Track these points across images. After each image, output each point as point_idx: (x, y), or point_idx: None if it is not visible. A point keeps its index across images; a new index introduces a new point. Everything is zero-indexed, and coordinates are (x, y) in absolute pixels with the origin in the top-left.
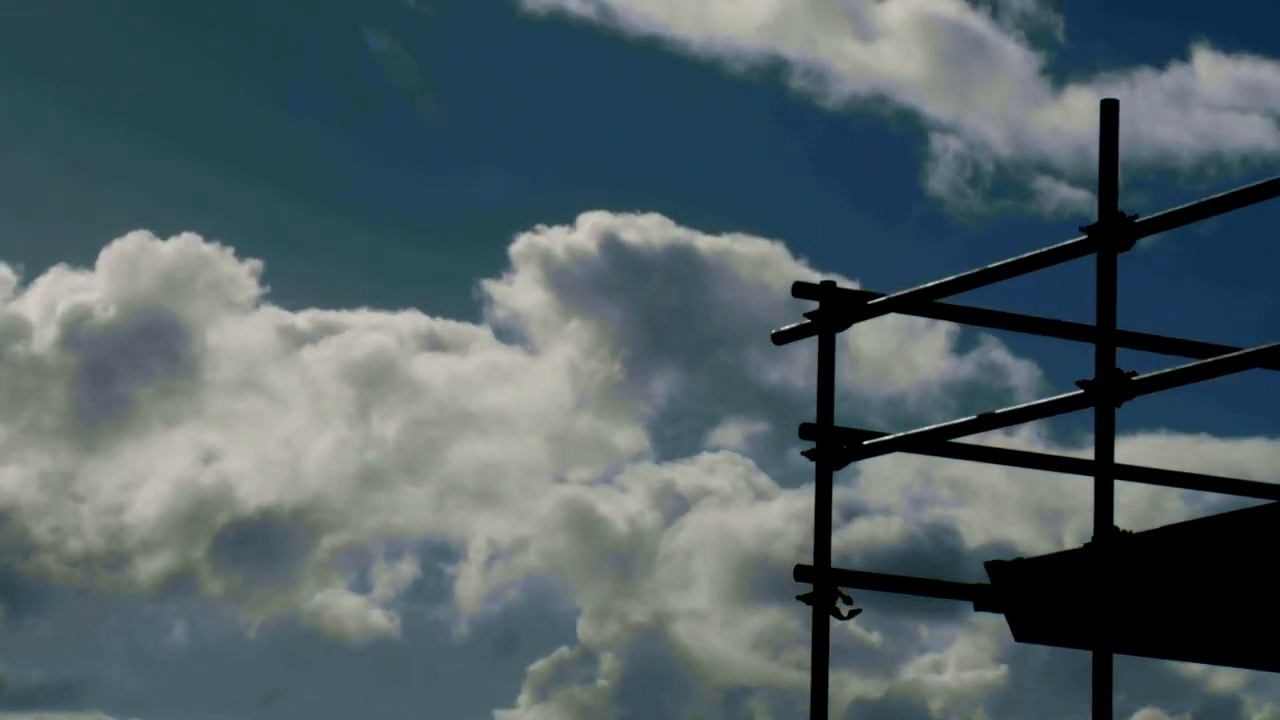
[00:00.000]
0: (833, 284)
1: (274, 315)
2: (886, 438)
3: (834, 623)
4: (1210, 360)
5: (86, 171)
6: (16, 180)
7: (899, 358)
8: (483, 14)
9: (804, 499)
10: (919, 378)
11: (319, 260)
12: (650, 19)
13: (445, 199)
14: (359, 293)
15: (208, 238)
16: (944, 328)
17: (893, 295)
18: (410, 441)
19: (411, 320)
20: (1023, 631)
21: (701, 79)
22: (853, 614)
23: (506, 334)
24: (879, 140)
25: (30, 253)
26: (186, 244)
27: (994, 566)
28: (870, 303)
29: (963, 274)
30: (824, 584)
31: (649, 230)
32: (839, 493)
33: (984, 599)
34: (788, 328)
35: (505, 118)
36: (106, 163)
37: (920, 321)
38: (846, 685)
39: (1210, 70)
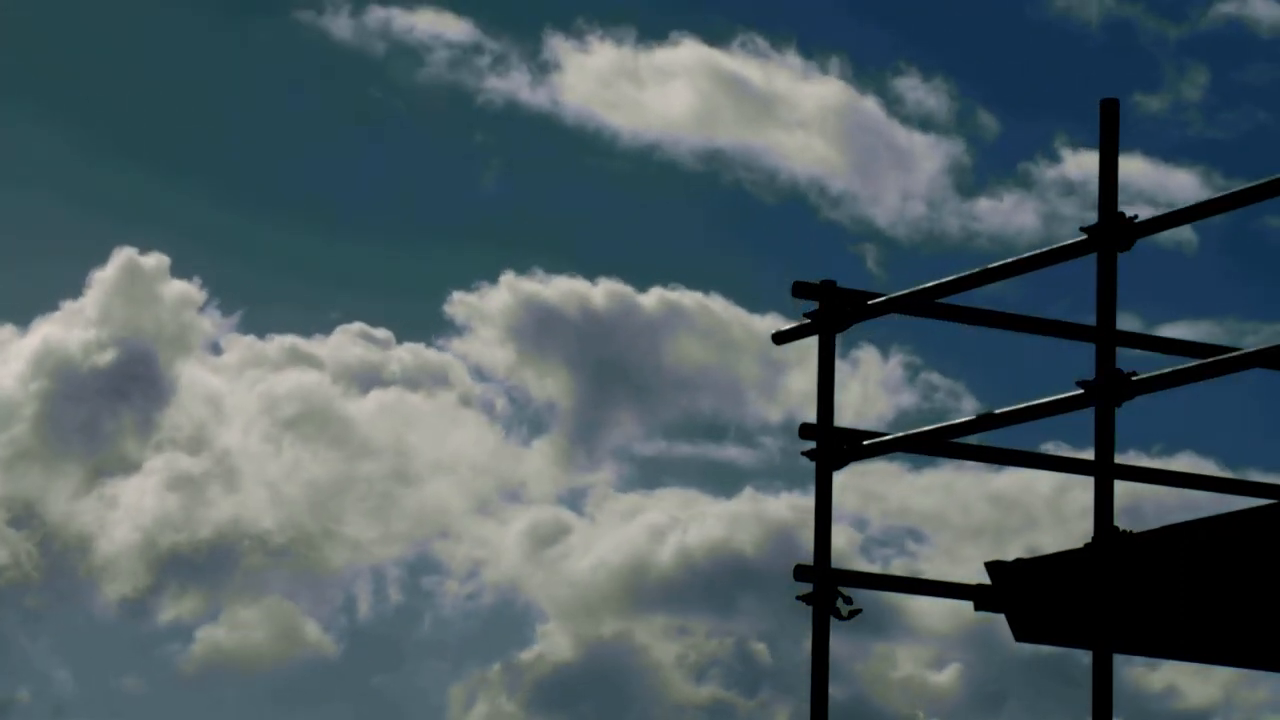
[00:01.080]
0: (833, 284)
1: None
2: (886, 438)
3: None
4: (1210, 360)
5: None
6: None
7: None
8: (448, 105)
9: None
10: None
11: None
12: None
13: (381, 263)
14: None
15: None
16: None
17: (892, 295)
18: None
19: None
20: (1023, 631)
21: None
22: (853, 614)
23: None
24: (811, 226)
25: None
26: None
27: (994, 566)
28: (870, 303)
29: (962, 274)
30: (824, 584)
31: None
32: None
33: (984, 599)
34: (788, 327)
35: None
36: None
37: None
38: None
39: None
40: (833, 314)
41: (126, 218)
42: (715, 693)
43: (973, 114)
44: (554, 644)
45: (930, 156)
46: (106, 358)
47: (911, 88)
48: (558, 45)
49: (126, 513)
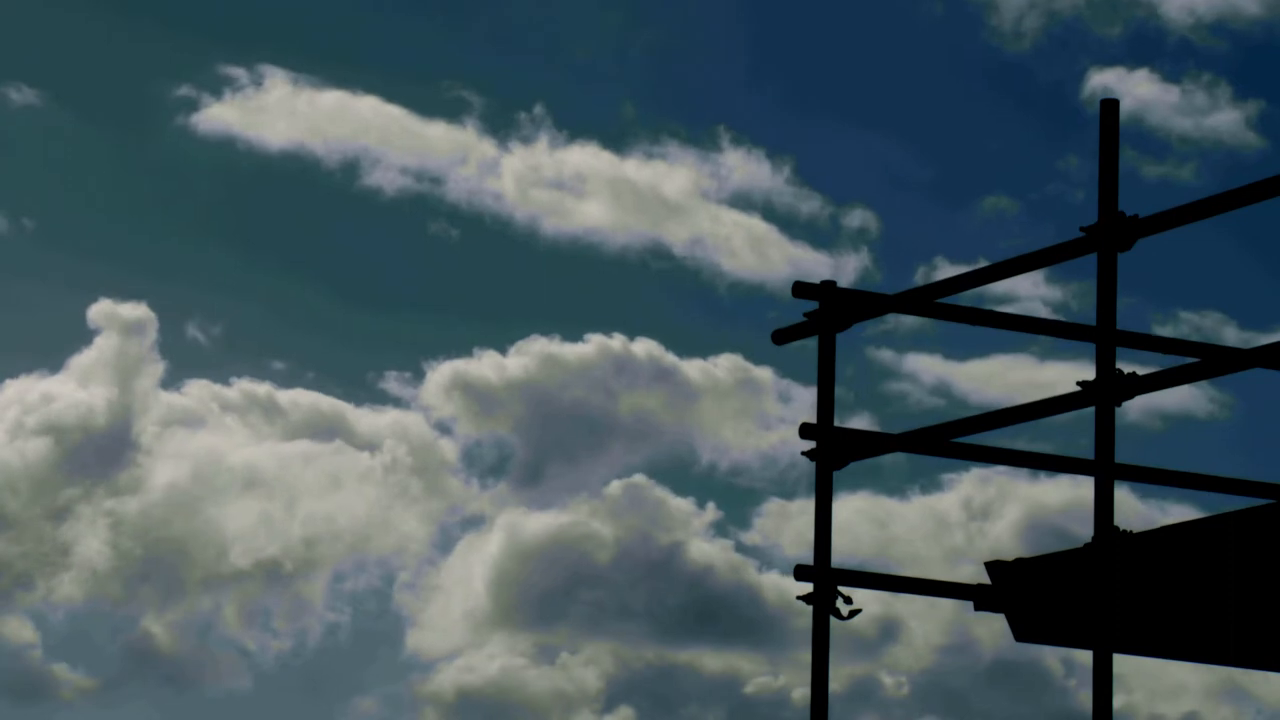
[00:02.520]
0: (833, 284)
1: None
2: (886, 438)
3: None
4: (1210, 360)
5: None
6: None
7: None
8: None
9: None
10: None
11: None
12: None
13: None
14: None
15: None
16: None
17: (892, 295)
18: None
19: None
20: (1023, 631)
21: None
22: (853, 614)
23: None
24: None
25: None
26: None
27: (994, 566)
28: (870, 303)
29: (962, 273)
30: (824, 584)
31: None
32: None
33: (984, 599)
34: (788, 327)
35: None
36: None
37: None
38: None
39: None
40: (833, 314)
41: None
42: None
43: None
44: None
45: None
46: None
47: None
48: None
49: None
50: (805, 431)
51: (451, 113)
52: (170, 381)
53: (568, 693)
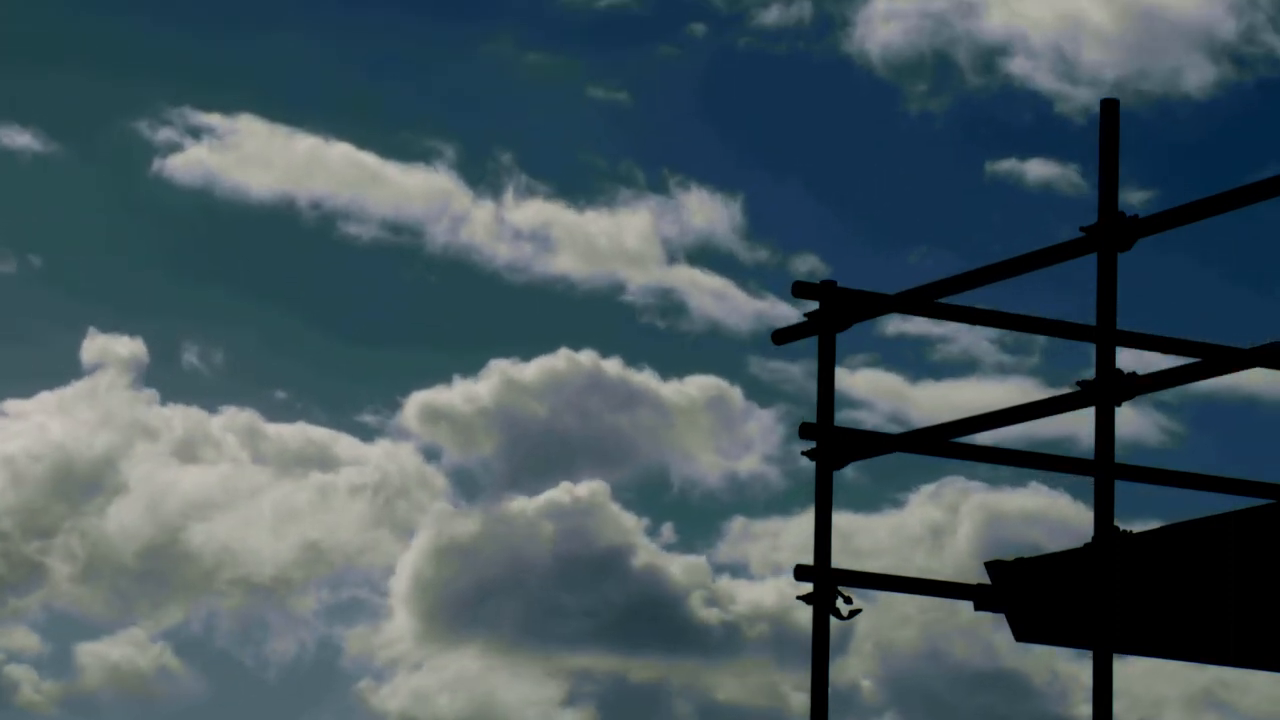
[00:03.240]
0: (833, 283)
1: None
2: (887, 437)
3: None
4: (1210, 360)
5: None
6: None
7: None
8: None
9: None
10: None
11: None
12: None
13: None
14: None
15: None
16: None
17: (892, 295)
18: None
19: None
20: (1023, 631)
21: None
22: (853, 614)
23: None
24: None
25: None
26: None
27: (994, 566)
28: (870, 303)
29: (962, 273)
30: (824, 584)
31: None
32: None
33: (984, 599)
34: (787, 326)
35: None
36: None
37: None
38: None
39: None
40: (833, 314)
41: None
42: None
43: None
44: None
45: None
46: None
47: None
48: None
49: None
50: (805, 431)
51: (422, 159)
52: (156, 411)
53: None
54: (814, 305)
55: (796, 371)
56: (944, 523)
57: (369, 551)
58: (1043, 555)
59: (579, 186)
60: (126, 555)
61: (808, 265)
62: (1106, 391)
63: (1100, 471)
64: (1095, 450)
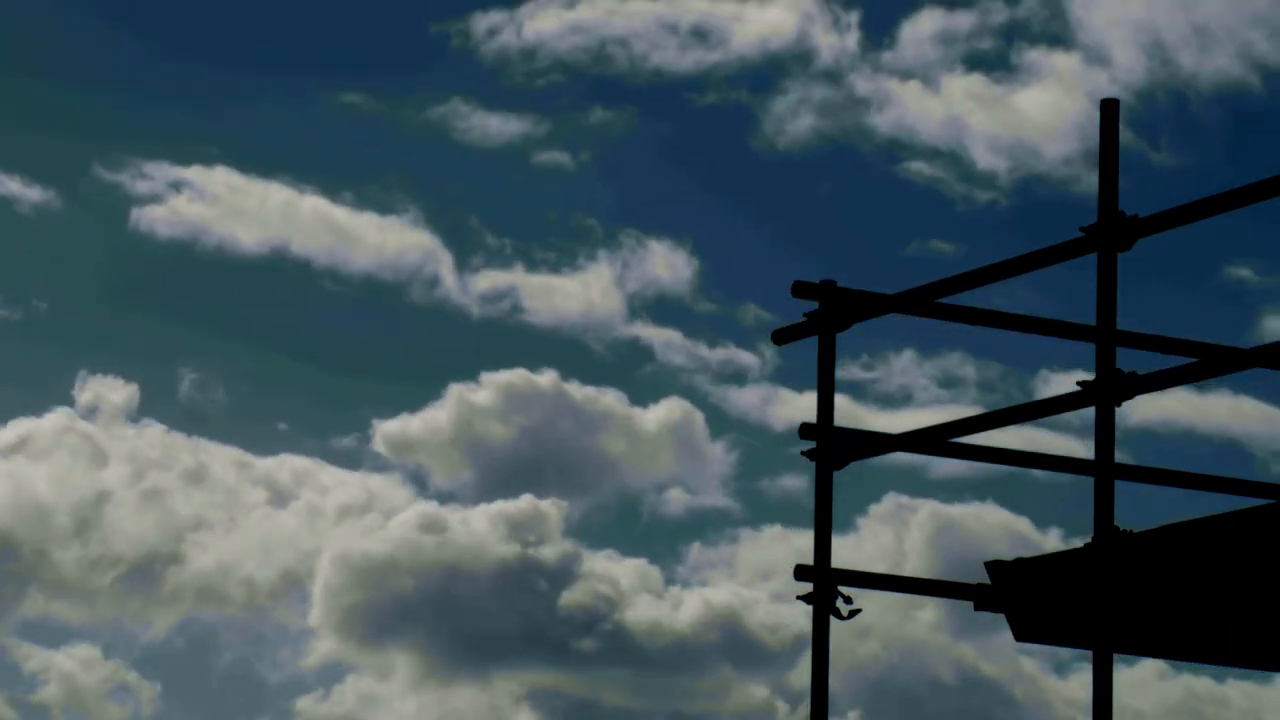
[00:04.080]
0: (833, 283)
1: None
2: (887, 437)
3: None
4: (1210, 360)
5: None
6: None
7: None
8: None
9: None
10: None
11: None
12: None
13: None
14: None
15: None
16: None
17: (892, 295)
18: None
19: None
20: (1023, 631)
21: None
22: (853, 614)
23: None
24: None
25: None
26: None
27: (994, 566)
28: (870, 303)
29: (962, 273)
30: (824, 584)
31: None
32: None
33: (984, 599)
34: (787, 326)
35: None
36: None
37: None
38: None
39: None
40: (833, 314)
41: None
42: None
43: None
44: None
45: None
46: None
47: None
48: None
49: None
50: (805, 431)
51: (390, 211)
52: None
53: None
54: (814, 305)
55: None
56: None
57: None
58: (1043, 555)
59: (537, 243)
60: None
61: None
62: (1106, 391)
63: (1100, 471)
64: (1095, 450)
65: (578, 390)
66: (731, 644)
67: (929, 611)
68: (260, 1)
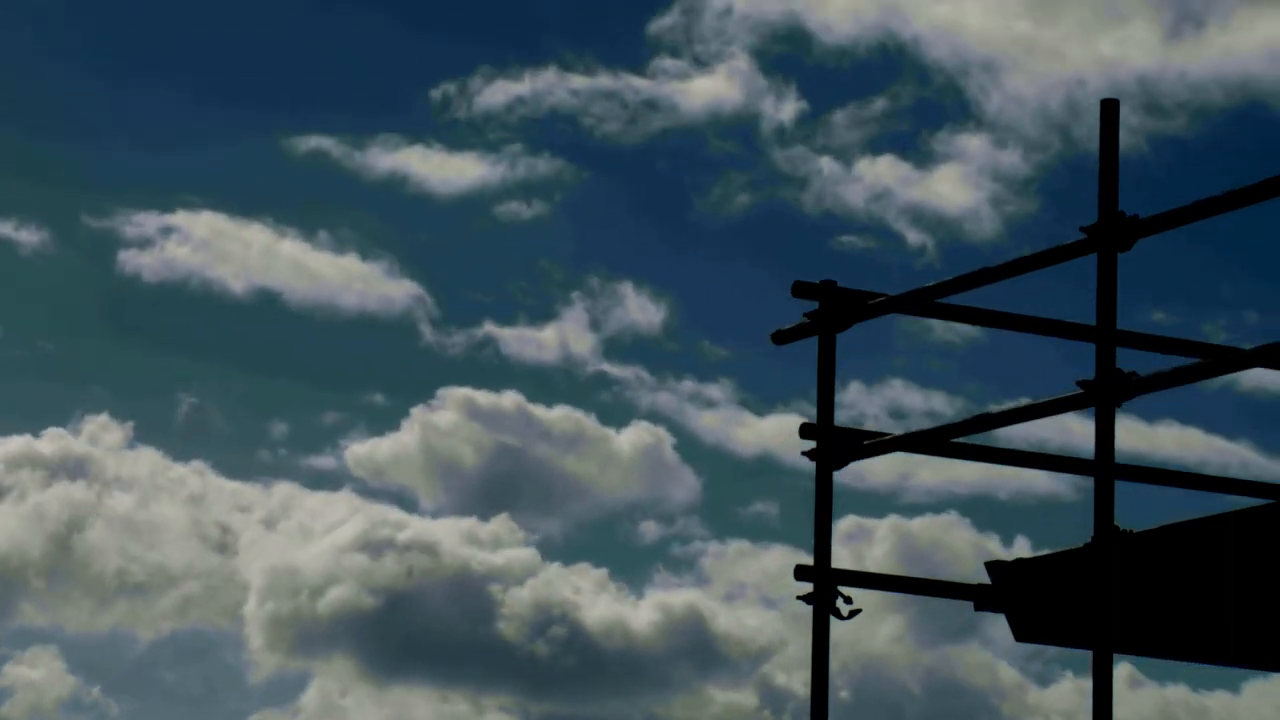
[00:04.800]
0: (833, 284)
1: None
2: (887, 437)
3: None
4: (1210, 360)
5: None
6: None
7: None
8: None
9: None
10: None
11: None
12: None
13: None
14: None
15: None
16: None
17: (892, 295)
18: None
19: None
20: (1023, 631)
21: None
22: (853, 614)
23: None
24: None
25: None
26: None
27: (994, 566)
28: (870, 303)
29: (963, 274)
30: (824, 584)
31: None
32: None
33: (984, 599)
34: (788, 327)
35: None
36: None
37: None
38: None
39: None
40: (833, 314)
41: None
42: None
43: None
44: None
45: None
46: None
47: None
48: None
49: None
50: (805, 431)
51: (366, 256)
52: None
53: None
54: (813, 305)
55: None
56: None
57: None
58: (1043, 555)
59: (505, 304)
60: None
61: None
62: (1106, 391)
63: (1100, 471)
64: (1095, 450)
65: (543, 412)
66: (697, 650)
67: (890, 625)
68: (222, 46)
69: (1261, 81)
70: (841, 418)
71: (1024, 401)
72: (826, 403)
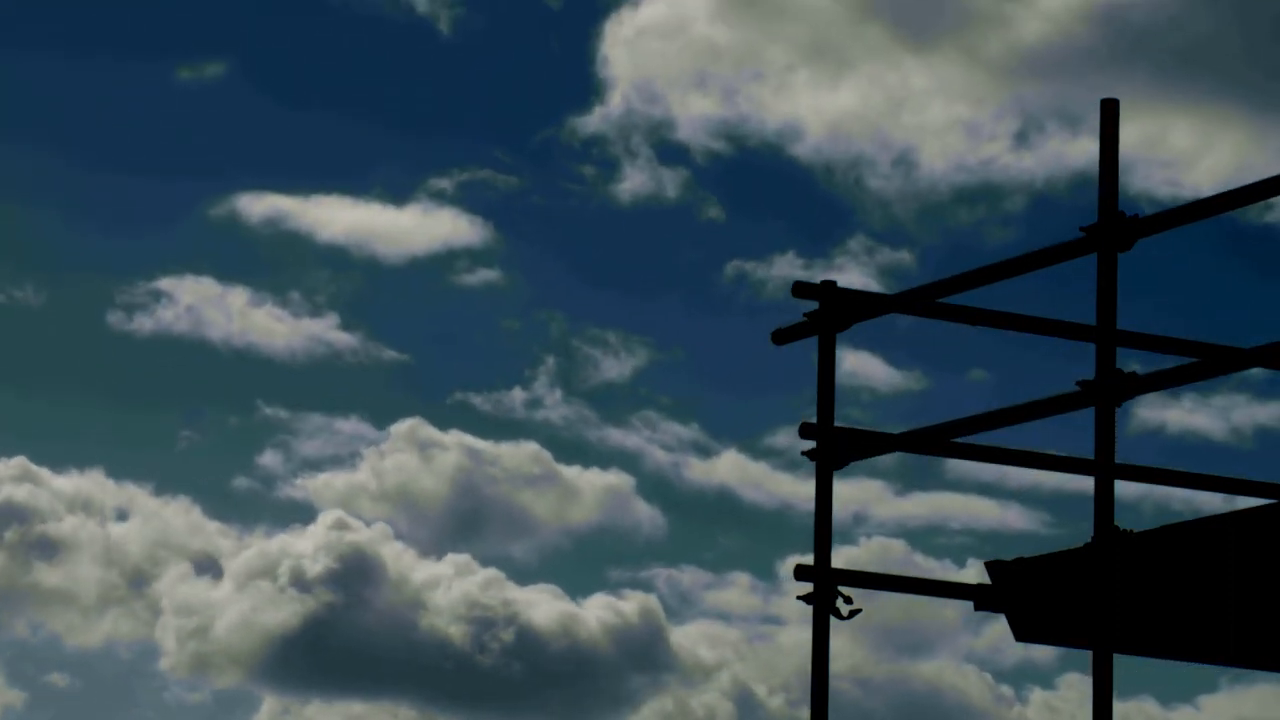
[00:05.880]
0: (833, 283)
1: None
2: (886, 437)
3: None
4: (1210, 360)
5: None
6: None
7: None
8: None
9: None
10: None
11: None
12: None
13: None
14: None
15: None
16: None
17: (892, 295)
18: None
19: None
20: (1023, 631)
21: None
22: (853, 614)
23: None
24: None
25: None
26: None
27: (994, 566)
28: (870, 303)
29: (962, 274)
30: (824, 584)
31: None
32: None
33: (984, 599)
34: (788, 326)
35: None
36: None
37: None
38: None
39: None
40: (833, 314)
41: None
42: None
43: None
44: None
45: None
46: None
47: None
48: None
49: None
50: (805, 431)
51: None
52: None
53: None
54: (814, 305)
55: None
56: None
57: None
58: (1043, 555)
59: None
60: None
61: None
62: (1106, 391)
63: (1100, 471)
64: (1095, 450)
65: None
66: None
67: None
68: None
69: None
70: (840, 417)
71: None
72: (826, 403)
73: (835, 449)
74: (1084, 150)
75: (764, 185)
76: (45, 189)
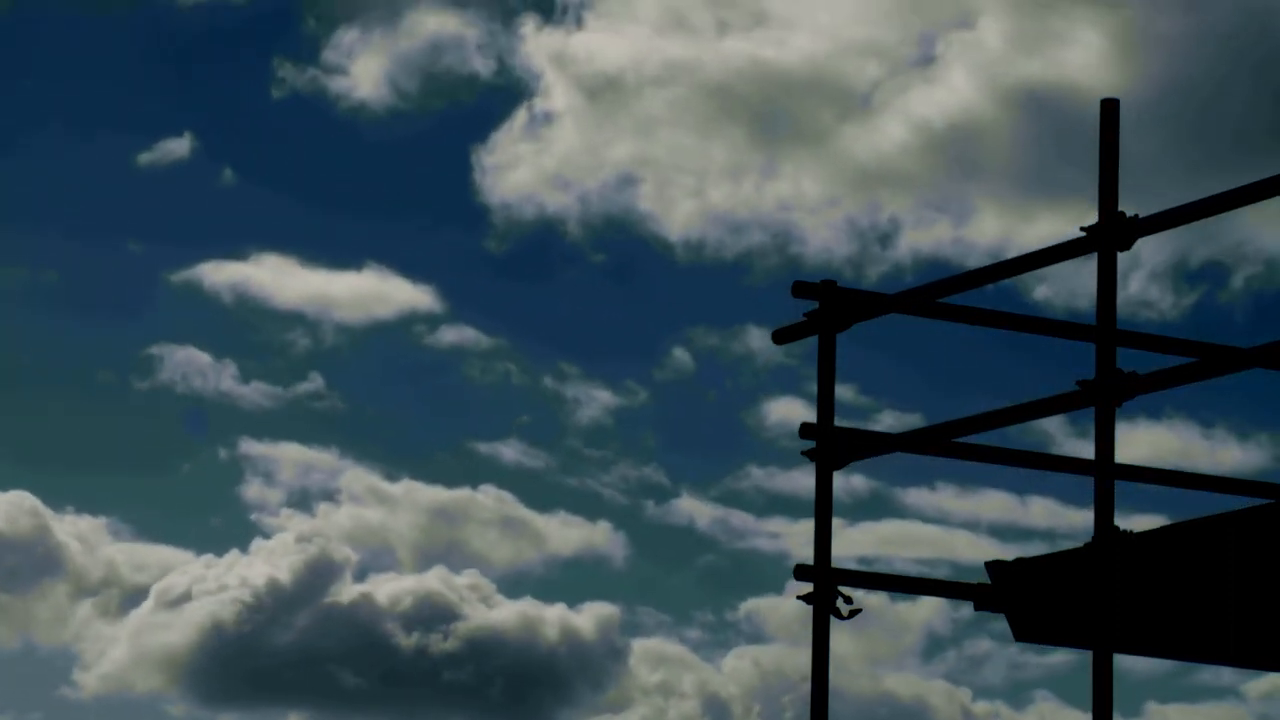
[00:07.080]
0: (833, 283)
1: None
2: (886, 437)
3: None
4: (1210, 360)
5: None
6: None
7: None
8: None
9: None
10: None
11: None
12: None
13: None
14: None
15: None
16: None
17: (892, 295)
18: None
19: None
20: (1023, 631)
21: None
22: (853, 614)
23: None
24: None
25: None
26: None
27: (994, 566)
28: (870, 303)
29: (962, 273)
30: (824, 584)
31: None
32: None
33: (984, 599)
34: (787, 326)
35: None
36: None
37: None
38: None
39: None
40: (833, 313)
41: None
42: None
43: None
44: None
45: None
46: None
47: None
48: None
49: None
50: (805, 431)
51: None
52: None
53: None
54: (813, 305)
55: None
56: None
57: None
58: (1043, 555)
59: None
60: None
61: None
62: (1106, 391)
63: (1100, 471)
64: (1095, 450)
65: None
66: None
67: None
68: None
69: None
70: (839, 418)
71: (1024, 401)
72: (826, 402)
73: (835, 449)
74: None
75: None
76: None
